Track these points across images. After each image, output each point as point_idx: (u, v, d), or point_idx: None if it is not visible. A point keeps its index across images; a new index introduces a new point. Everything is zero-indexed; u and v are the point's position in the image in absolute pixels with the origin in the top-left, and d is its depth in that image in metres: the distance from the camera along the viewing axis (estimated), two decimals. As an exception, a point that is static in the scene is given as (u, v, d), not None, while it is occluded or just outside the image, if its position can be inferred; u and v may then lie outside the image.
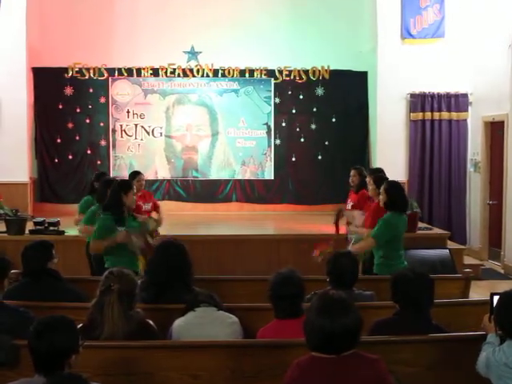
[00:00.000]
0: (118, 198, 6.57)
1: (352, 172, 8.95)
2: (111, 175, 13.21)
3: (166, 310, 4.90)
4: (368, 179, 8.10)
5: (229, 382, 4.16)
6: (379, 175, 8.02)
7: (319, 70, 13.80)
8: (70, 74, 13.49)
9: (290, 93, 13.92)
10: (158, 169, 13.89)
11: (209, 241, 10.04)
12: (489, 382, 3.92)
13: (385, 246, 6.74)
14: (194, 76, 13.82)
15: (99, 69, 13.56)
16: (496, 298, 4.03)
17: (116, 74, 13.67)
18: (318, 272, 6.26)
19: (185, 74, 13.80)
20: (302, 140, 13.95)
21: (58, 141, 13.56)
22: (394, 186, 7.02)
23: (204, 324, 4.45)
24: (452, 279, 6.63)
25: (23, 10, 12.50)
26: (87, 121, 13.69)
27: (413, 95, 12.92)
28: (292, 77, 13.85)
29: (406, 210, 6.98)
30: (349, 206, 8.74)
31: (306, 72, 13.83)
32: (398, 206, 6.79)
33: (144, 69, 13.66)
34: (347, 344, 3.26)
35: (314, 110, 13.91)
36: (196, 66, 13.79)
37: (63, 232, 9.90)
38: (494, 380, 3.84)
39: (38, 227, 9.94)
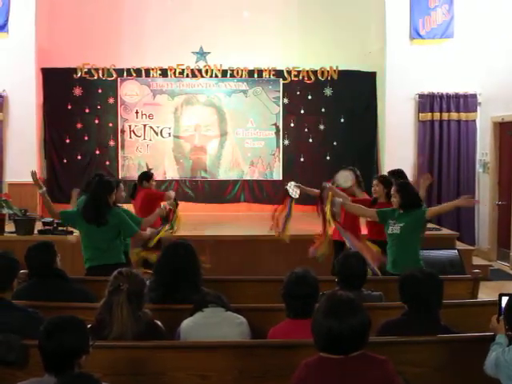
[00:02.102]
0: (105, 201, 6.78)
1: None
2: (120, 176, 13.30)
3: (174, 311, 4.91)
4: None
5: (237, 382, 4.17)
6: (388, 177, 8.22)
7: (328, 71, 13.79)
8: (78, 75, 13.52)
9: (298, 93, 13.92)
10: (167, 169, 13.90)
11: (217, 241, 10.04)
12: (497, 382, 3.91)
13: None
14: (202, 76, 13.83)
15: (108, 69, 13.59)
16: (504, 299, 4.02)
17: (125, 74, 13.70)
18: (325, 273, 6.26)
19: (193, 75, 13.81)
20: (311, 140, 13.95)
21: (67, 141, 13.59)
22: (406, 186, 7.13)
23: (212, 324, 4.45)
24: (461, 280, 6.62)
25: (32, 11, 12.54)
26: (96, 121, 13.71)
27: (421, 95, 12.90)
28: (300, 77, 13.85)
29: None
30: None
31: (315, 72, 13.83)
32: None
33: (153, 69, 13.68)
34: (355, 345, 3.26)
35: (323, 110, 13.91)
36: (204, 66, 13.80)
37: (72, 232, 9.93)
38: (504, 380, 3.83)
39: (47, 227, 9.98)
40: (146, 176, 9.70)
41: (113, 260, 6.62)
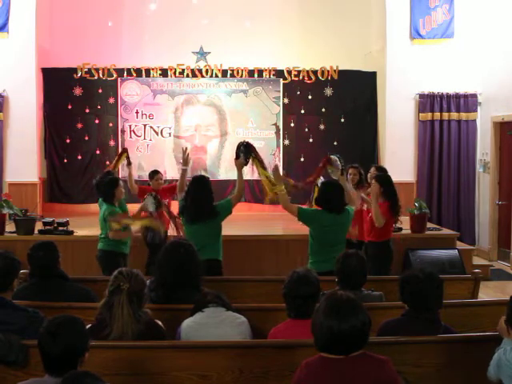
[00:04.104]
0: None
1: (351, 170, 9.00)
2: (120, 175, 13.28)
3: (174, 311, 4.91)
4: (372, 175, 8.39)
5: (237, 382, 4.17)
6: (384, 174, 8.30)
7: (328, 71, 13.78)
8: (79, 75, 13.51)
9: (298, 93, 13.91)
10: (167, 169, 13.88)
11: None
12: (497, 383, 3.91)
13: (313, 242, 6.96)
14: (202, 76, 13.82)
15: (108, 69, 13.57)
16: None
17: (125, 74, 13.68)
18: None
19: (193, 75, 13.80)
20: (311, 140, 13.94)
21: (67, 141, 13.59)
22: (328, 185, 7.15)
23: (212, 324, 4.45)
24: (461, 280, 6.62)
25: (33, 11, 12.53)
26: (96, 121, 13.71)
27: (422, 95, 12.90)
28: (301, 77, 13.83)
29: (335, 211, 6.88)
30: None
31: (315, 72, 13.81)
32: (326, 206, 6.91)
33: (153, 69, 13.66)
34: (356, 345, 3.26)
35: (323, 110, 13.90)
36: (205, 66, 13.79)
37: (72, 232, 9.95)
38: (506, 381, 3.80)
39: (47, 227, 9.99)
40: (150, 175, 9.89)
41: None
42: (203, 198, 7.09)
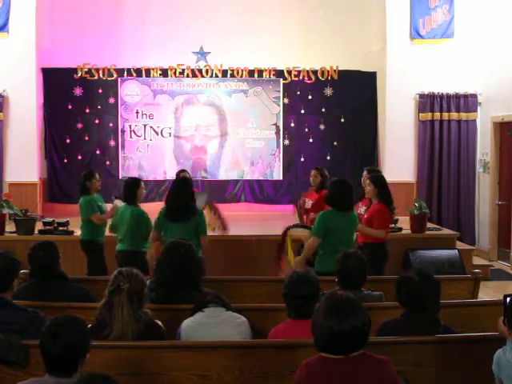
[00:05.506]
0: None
1: (313, 172, 9.37)
2: (120, 175, 13.34)
3: (174, 311, 4.91)
4: (365, 178, 8.32)
5: (237, 382, 4.17)
6: (378, 174, 8.23)
7: (328, 71, 13.78)
8: (79, 75, 13.52)
9: (298, 93, 13.91)
10: (167, 169, 13.89)
11: (217, 241, 10.04)
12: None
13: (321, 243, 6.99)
14: (202, 76, 13.82)
15: (108, 69, 13.58)
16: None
17: (125, 74, 13.69)
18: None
19: (194, 75, 13.80)
20: (311, 140, 13.94)
21: (68, 141, 13.59)
22: (340, 183, 7.22)
23: (212, 324, 4.45)
24: (461, 280, 6.62)
25: (33, 11, 12.54)
26: (96, 121, 13.71)
27: (422, 95, 12.90)
28: (301, 77, 13.83)
29: (345, 209, 7.02)
30: (308, 203, 9.23)
31: (315, 72, 13.82)
32: (337, 204, 7.01)
33: (153, 69, 13.67)
34: (355, 345, 3.26)
35: (323, 110, 13.90)
36: (205, 66, 13.79)
37: (72, 232, 9.94)
38: (506, 381, 3.74)
39: (48, 227, 10.00)
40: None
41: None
42: (183, 197, 7.31)
